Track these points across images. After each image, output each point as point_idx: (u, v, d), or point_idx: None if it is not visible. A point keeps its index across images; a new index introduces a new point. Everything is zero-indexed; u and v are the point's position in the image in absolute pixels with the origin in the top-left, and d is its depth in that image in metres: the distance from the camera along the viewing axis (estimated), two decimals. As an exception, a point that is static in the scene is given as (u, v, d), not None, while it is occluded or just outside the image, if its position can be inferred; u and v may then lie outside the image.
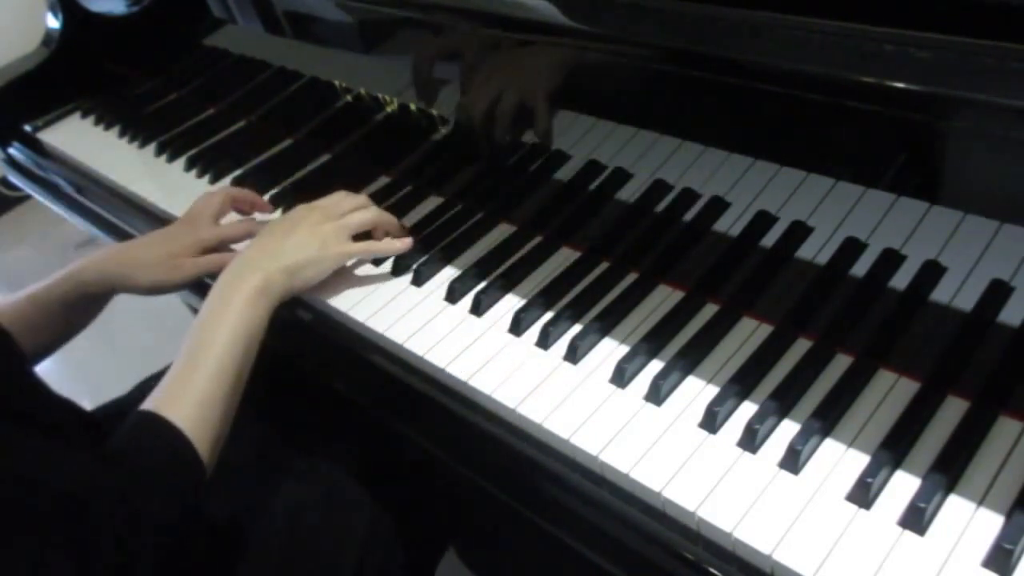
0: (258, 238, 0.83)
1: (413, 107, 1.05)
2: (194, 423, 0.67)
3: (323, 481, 0.89)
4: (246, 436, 0.92)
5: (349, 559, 0.85)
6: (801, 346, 0.70)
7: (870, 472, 0.59)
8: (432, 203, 0.97)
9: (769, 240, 0.78)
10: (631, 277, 0.80)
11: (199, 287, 1.00)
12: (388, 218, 0.88)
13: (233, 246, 0.93)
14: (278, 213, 1.01)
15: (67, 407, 0.83)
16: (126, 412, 0.83)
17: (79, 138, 1.30)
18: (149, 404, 0.68)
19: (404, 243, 0.86)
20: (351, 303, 0.85)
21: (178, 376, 0.71)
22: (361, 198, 0.88)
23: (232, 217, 0.98)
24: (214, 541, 0.81)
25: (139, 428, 0.66)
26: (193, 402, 0.68)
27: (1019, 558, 0.53)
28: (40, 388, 0.75)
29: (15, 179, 1.34)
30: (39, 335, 0.89)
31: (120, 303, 0.95)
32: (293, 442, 0.92)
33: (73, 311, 0.92)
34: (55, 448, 0.62)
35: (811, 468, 0.61)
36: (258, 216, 0.99)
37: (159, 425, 0.66)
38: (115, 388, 1.02)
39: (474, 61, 0.93)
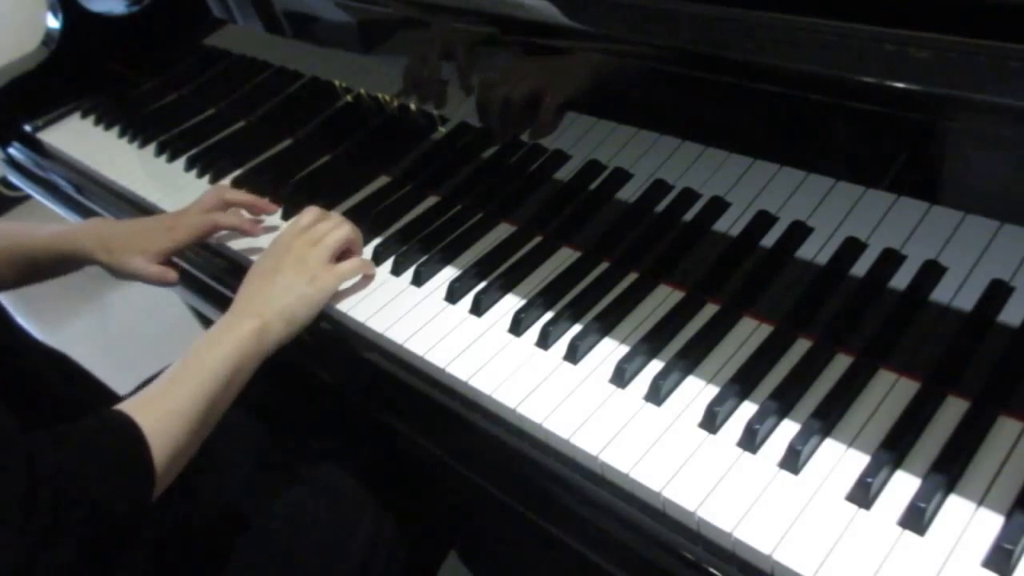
0: (246, 283, 0.83)
1: (413, 107, 1.05)
2: (158, 431, 0.67)
3: (325, 483, 0.89)
4: (247, 437, 0.92)
5: (351, 561, 0.85)
6: (801, 346, 0.70)
7: (870, 472, 0.59)
8: (432, 203, 0.97)
9: (769, 240, 0.78)
10: (631, 277, 0.80)
11: (201, 288, 1.00)
12: (359, 233, 0.89)
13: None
14: (277, 215, 1.00)
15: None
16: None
17: (79, 138, 1.30)
18: (121, 405, 0.69)
19: (373, 268, 0.88)
20: (351, 303, 0.85)
21: (157, 388, 0.72)
22: (333, 216, 0.89)
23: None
24: (216, 542, 0.81)
25: (102, 418, 0.67)
26: (163, 412, 0.69)
27: (1019, 558, 0.53)
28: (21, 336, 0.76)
29: (15, 179, 1.35)
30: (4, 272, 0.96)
31: (120, 303, 0.95)
32: (295, 444, 0.92)
33: (48, 267, 0.98)
34: None
35: (811, 468, 0.61)
36: (264, 218, 1.00)
37: (122, 421, 0.66)
38: (115, 389, 1.02)
39: (474, 62, 0.93)
